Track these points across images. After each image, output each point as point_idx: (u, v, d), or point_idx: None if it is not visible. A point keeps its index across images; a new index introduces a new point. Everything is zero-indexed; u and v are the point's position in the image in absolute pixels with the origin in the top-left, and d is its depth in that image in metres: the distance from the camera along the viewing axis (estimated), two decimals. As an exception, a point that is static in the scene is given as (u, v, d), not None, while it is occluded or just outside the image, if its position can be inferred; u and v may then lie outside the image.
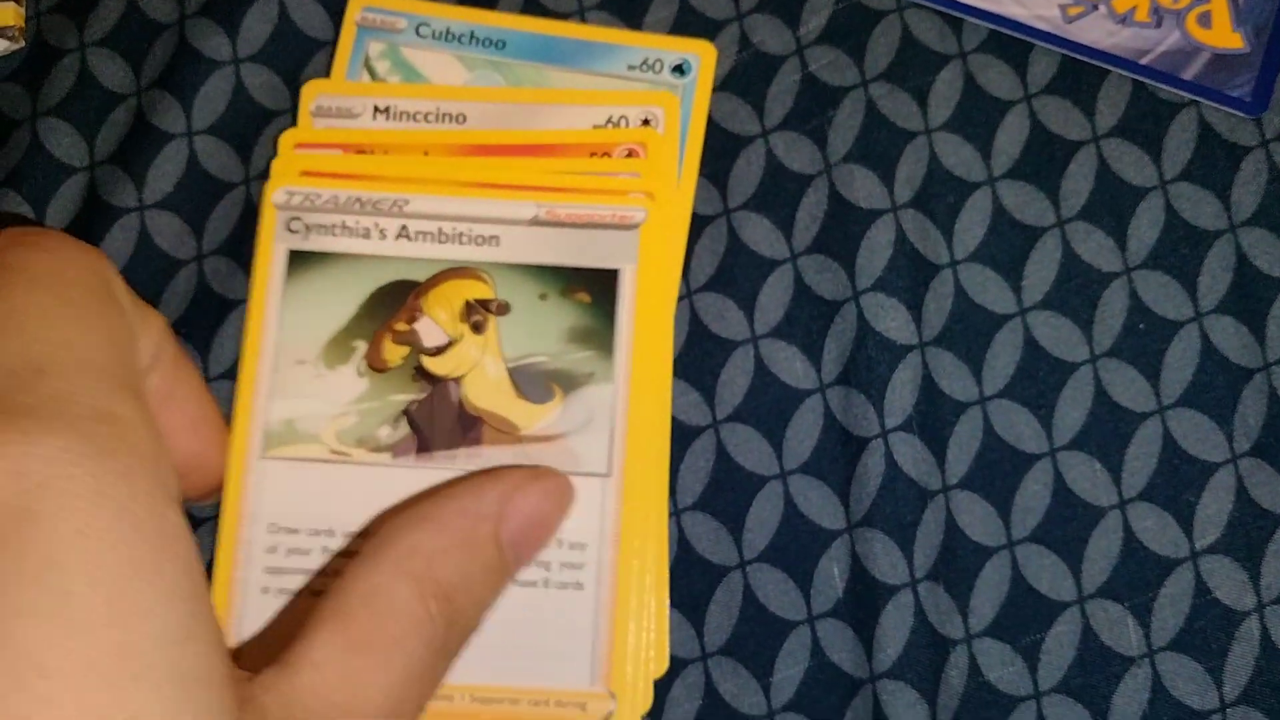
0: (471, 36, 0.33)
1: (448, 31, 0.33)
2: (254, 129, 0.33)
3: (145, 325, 0.22)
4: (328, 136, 0.31)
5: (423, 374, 0.29)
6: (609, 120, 0.32)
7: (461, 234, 0.29)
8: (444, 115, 0.32)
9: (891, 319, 0.31)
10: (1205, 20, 0.32)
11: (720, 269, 0.32)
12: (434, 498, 0.24)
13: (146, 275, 0.32)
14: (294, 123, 0.33)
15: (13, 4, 0.33)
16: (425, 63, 0.33)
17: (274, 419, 0.28)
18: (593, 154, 0.30)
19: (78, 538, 0.17)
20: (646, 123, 0.32)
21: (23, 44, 0.34)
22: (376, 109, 0.32)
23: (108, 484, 0.17)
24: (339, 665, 0.20)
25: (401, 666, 0.21)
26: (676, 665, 0.29)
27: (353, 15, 0.33)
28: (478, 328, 0.28)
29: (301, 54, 0.33)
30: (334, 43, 0.33)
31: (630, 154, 0.30)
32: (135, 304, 0.22)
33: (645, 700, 0.27)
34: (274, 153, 0.31)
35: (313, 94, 0.32)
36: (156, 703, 0.17)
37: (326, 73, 0.33)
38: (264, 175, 0.31)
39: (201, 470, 0.26)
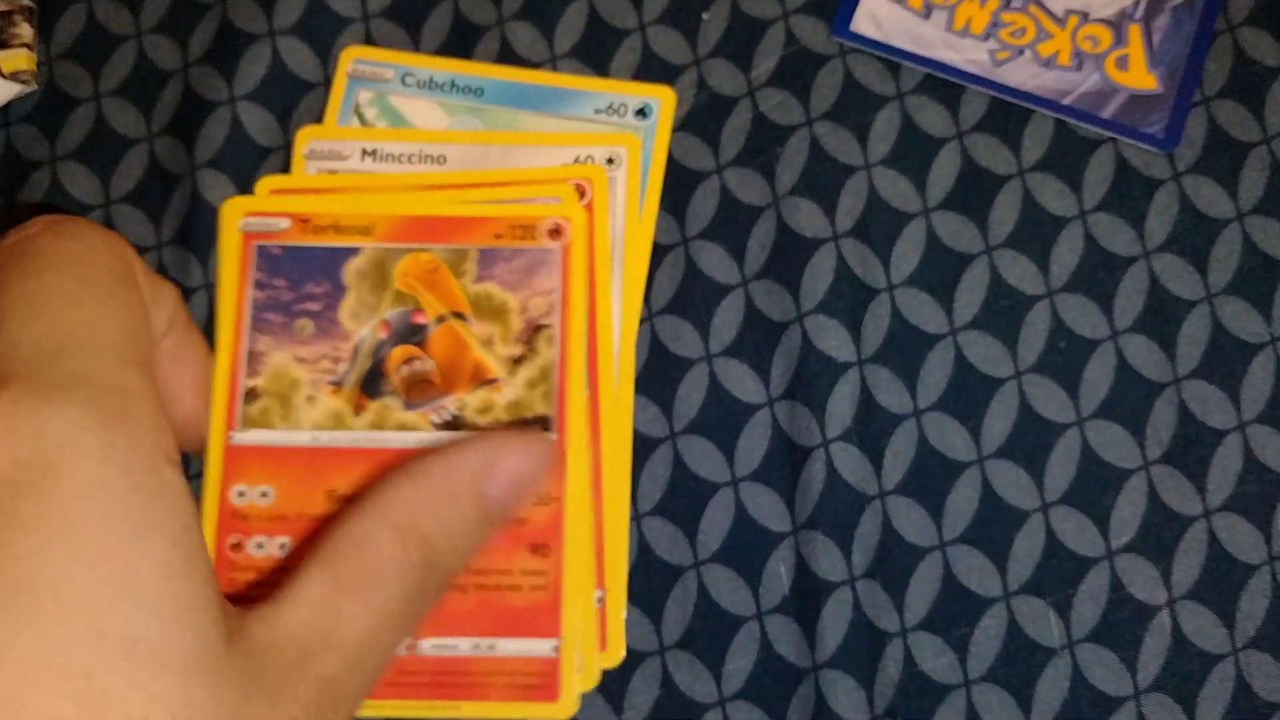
0: (453, 85, 0.36)
1: (431, 80, 0.36)
2: (251, 164, 0.36)
3: (160, 298, 0.25)
4: (275, 205, 0.33)
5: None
6: (576, 160, 0.35)
7: None
8: (426, 157, 0.35)
9: (833, 338, 0.33)
10: (1123, 63, 0.35)
11: (678, 293, 0.34)
12: (423, 456, 0.26)
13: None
14: (287, 158, 0.36)
15: (25, 50, 0.36)
16: (410, 109, 0.36)
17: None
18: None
19: (90, 489, 0.20)
20: (611, 161, 0.34)
21: (35, 87, 0.37)
22: (364, 152, 0.35)
23: (115, 447, 0.20)
24: (324, 601, 0.22)
25: (381, 605, 0.23)
26: (635, 658, 0.32)
27: (344, 66, 0.36)
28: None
29: (293, 95, 0.36)
30: (323, 84, 0.36)
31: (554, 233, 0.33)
32: (151, 280, 0.25)
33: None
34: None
35: (306, 139, 0.35)
36: (155, 624, 0.19)
37: (316, 112, 0.36)
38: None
39: (199, 426, 0.29)
